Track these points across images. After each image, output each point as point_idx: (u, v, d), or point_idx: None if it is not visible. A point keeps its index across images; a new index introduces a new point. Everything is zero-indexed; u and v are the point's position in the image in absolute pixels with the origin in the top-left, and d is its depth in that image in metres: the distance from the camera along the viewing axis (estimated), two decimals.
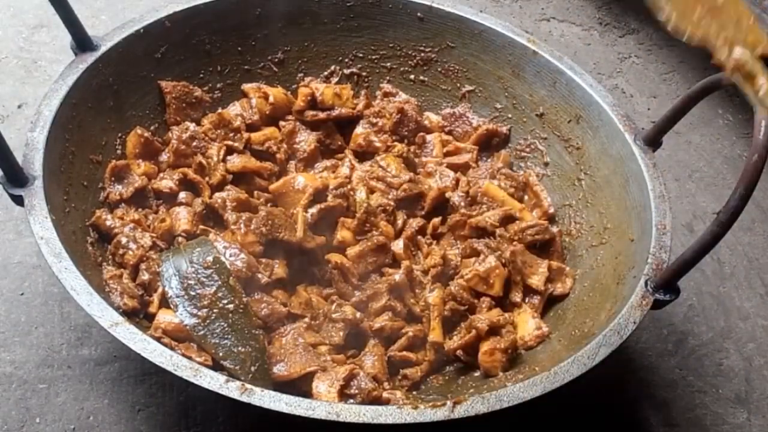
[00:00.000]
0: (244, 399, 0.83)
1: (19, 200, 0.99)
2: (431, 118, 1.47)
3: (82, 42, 1.17)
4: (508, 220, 1.28)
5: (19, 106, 1.57)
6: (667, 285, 1.01)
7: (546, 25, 2.03)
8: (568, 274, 1.24)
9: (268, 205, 1.23)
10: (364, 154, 1.39)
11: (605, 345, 0.96)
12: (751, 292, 1.48)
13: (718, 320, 1.43)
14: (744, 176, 0.87)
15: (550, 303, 1.24)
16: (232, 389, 0.84)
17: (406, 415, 0.85)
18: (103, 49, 1.19)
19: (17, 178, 0.98)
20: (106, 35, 1.21)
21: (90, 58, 1.17)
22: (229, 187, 1.26)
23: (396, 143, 1.40)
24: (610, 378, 1.29)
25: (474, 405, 0.87)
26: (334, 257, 1.19)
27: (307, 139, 1.36)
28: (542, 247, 1.27)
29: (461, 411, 0.87)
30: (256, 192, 1.27)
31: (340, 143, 1.41)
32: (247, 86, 1.41)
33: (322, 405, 0.84)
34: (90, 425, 1.14)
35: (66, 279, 0.91)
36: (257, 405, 0.83)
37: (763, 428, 1.28)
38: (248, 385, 0.84)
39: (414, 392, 1.13)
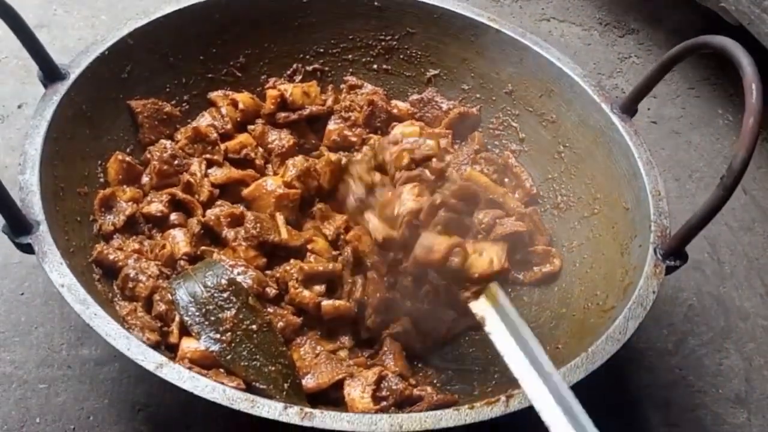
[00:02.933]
0: (306, 423, 0.83)
1: (27, 248, 0.96)
2: (399, 106, 1.47)
3: (50, 72, 1.14)
4: (494, 223, 1.29)
5: (19, 106, 1.57)
6: (676, 251, 1.05)
7: (546, 25, 2.03)
8: (555, 255, 1.28)
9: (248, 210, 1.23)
10: (340, 150, 1.39)
11: (632, 318, 0.99)
12: (751, 292, 1.48)
13: (718, 320, 1.43)
14: (743, 140, 0.90)
15: (551, 280, 1.27)
16: (292, 415, 0.84)
17: (466, 416, 0.87)
18: (73, 76, 1.15)
19: (21, 225, 0.96)
20: (72, 62, 1.18)
21: (61, 87, 1.13)
22: (220, 202, 1.25)
23: (371, 135, 1.40)
24: (610, 378, 1.29)
25: (527, 396, 0.89)
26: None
27: (279, 136, 1.36)
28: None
29: (515, 404, 0.89)
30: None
31: (314, 141, 1.41)
32: (213, 95, 1.40)
33: (384, 418, 0.85)
34: (90, 425, 1.14)
35: (99, 326, 0.90)
36: (320, 428, 0.83)
37: (763, 428, 1.28)
38: (307, 410, 0.84)
39: (438, 384, 1.15)
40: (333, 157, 1.30)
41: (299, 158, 1.29)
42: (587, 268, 1.23)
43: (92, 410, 1.15)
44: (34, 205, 1.00)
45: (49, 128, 1.08)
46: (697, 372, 1.34)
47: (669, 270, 1.05)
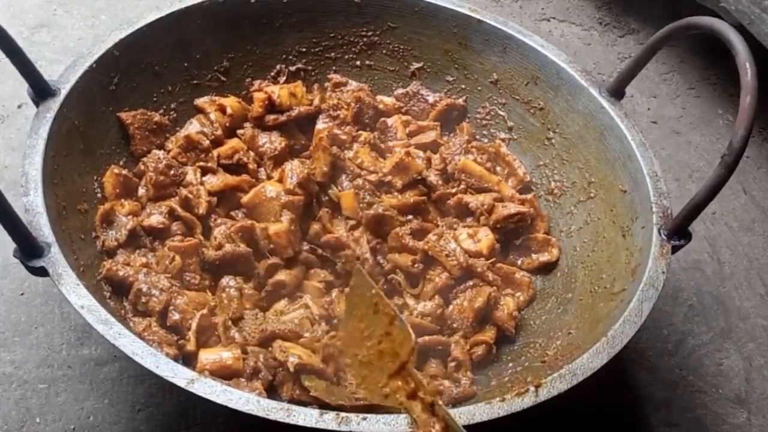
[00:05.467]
0: (343, 428, 0.84)
1: (40, 271, 0.95)
2: (385, 101, 1.47)
3: (40, 89, 1.12)
4: (494, 204, 1.30)
5: (19, 106, 1.57)
6: (680, 231, 1.06)
7: (546, 25, 2.03)
8: (553, 244, 1.29)
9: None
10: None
11: (646, 300, 1.01)
12: (751, 292, 1.48)
13: (718, 320, 1.43)
14: (741, 118, 0.92)
15: (551, 267, 1.28)
16: (328, 421, 0.84)
17: (498, 409, 0.88)
18: (64, 92, 1.13)
19: (33, 248, 0.94)
20: (61, 77, 1.16)
21: (53, 104, 1.11)
22: (221, 221, 1.23)
23: (360, 132, 1.40)
24: (610, 378, 1.29)
25: (554, 384, 0.91)
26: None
27: (270, 139, 1.35)
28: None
29: (545, 393, 0.90)
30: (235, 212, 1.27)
31: (303, 142, 1.40)
32: (200, 101, 1.39)
33: None
34: (90, 425, 1.14)
35: (125, 345, 0.89)
36: None
37: (763, 428, 1.28)
38: (343, 414, 0.85)
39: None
40: (322, 133, 1.29)
41: (296, 163, 1.28)
42: (588, 251, 1.24)
43: (92, 410, 1.15)
44: (42, 227, 0.98)
45: (46, 147, 1.07)
46: (697, 372, 1.34)
47: (674, 249, 1.07)
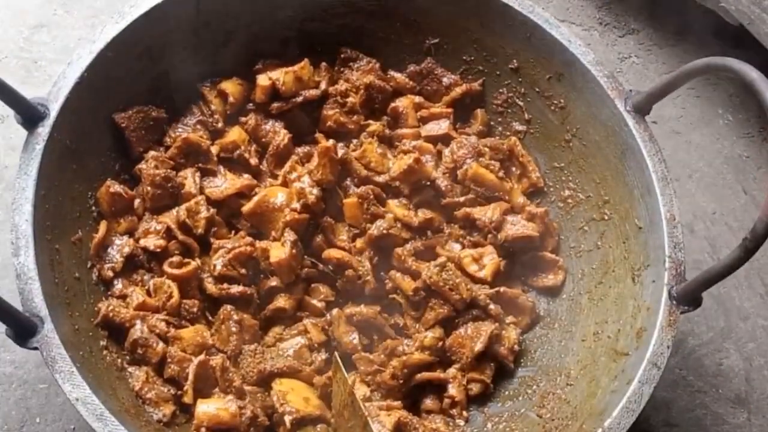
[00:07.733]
0: None
1: (35, 349, 0.92)
2: (397, 78, 1.38)
3: (29, 116, 1.05)
4: (502, 219, 1.26)
5: None
6: (690, 297, 1.02)
7: None
8: (561, 266, 1.25)
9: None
10: (336, 135, 1.32)
11: (647, 382, 0.98)
12: (751, 292, 1.48)
13: (718, 320, 1.43)
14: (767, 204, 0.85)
15: (557, 291, 1.26)
16: None
17: None
18: (53, 114, 1.06)
19: (25, 329, 0.91)
20: (50, 93, 1.08)
21: (43, 130, 1.05)
22: (220, 243, 1.19)
23: (369, 122, 1.33)
24: None
25: None
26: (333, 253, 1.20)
27: (274, 129, 1.30)
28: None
29: None
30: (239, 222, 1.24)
31: (308, 126, 1.34)
32: (200, 86, 1.31)
33: None
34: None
35: None
36: None
37: (763, 428, 1.28)
38: None
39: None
40: (328, 143, 1.23)
41: (306, 182, 1.21)
42: (596, 282, 1.20)
43: None
44: (34, 297, 0.94)
45: (37, 186, 1.01)
46: (697, 372, 1.34)
47: (682, 312, 1.03)
